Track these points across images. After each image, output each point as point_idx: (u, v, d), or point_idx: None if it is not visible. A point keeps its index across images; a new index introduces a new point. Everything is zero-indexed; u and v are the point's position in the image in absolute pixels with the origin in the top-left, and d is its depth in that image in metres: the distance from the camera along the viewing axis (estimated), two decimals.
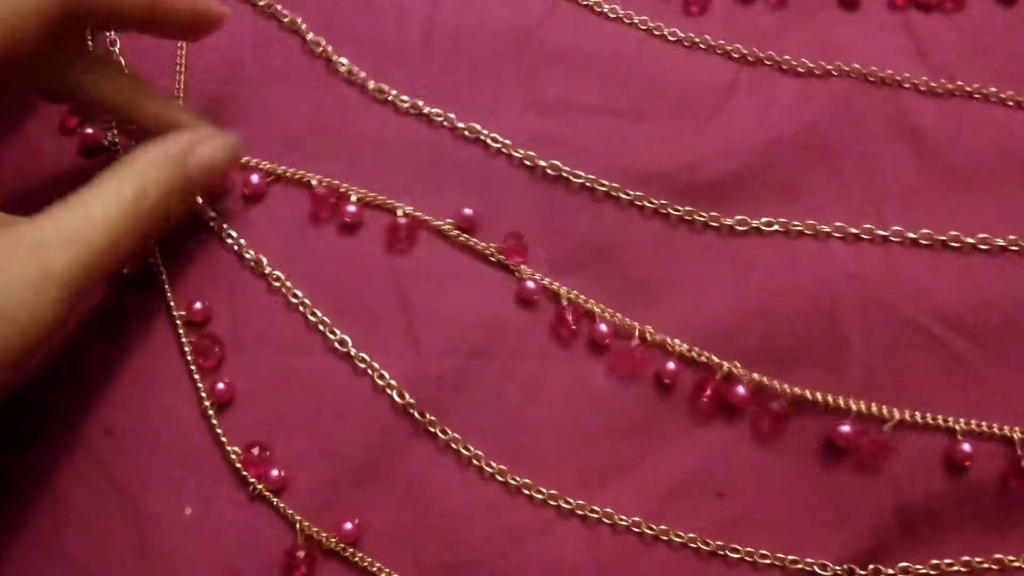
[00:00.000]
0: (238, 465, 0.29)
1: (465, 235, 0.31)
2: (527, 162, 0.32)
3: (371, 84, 0.33)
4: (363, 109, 0.33)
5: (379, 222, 0.31)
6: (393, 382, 0.29)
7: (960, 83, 0.32)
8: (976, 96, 0.32)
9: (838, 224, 0.31)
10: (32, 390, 0.29)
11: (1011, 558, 0.27)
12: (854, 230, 0.31)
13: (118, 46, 0.34)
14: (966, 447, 0.28)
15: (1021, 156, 0.31)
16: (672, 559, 0.28)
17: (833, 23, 0.34)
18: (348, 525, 0.28)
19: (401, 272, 0.31)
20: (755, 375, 0.29)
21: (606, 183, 0.31)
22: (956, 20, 0.34)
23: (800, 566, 0.28)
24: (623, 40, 0.34)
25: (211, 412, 0.29)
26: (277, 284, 0.31)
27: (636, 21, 0.34)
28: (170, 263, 0.31)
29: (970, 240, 0.30)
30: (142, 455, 0.29)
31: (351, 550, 0.28)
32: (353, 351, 0.30)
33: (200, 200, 0.31)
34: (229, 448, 0.29)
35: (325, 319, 0.30)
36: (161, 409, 0.29)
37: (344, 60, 0.33)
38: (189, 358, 0.30)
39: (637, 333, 0.29)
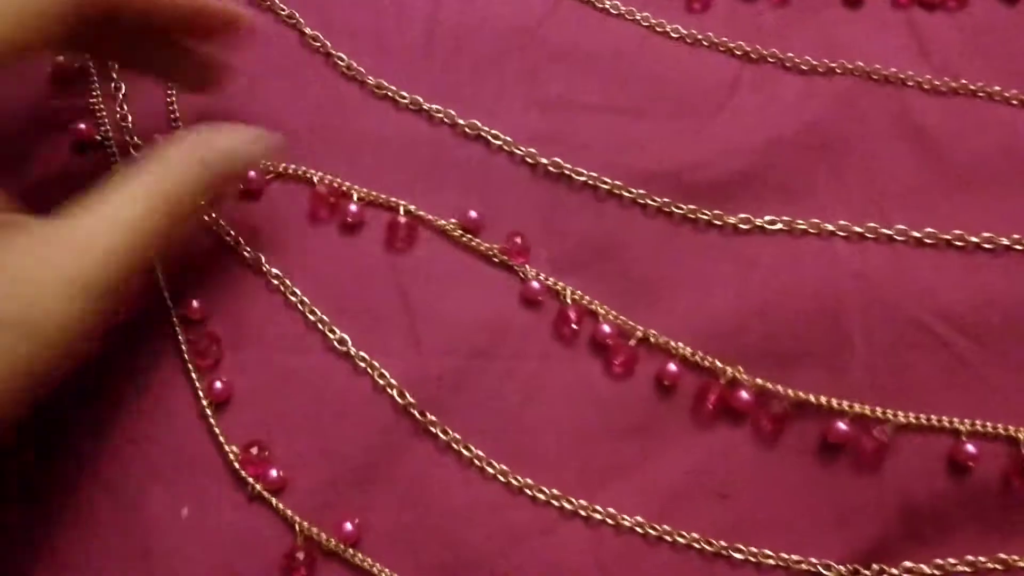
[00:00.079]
0: (236, 465, 0.28)
1: (469, 235, 0.30)
2: (528, 160, 0.31)
3: (370, 80, 0.33)
4: (363, 106, 0.33)
5: (380, 220, 0.31)
6: (394, 382, 0.29)
7: (964, 82, 0.32)
8: (980, 95, 0.32)
9: (841, 223, 0.30)
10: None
11: (1015, 558, 0.27)
12: (857, 229, 0.30)
13: None
14: (970, 447, 0.28)
15: None
16: (675, 560, 0.28)
17: (836, 21, 0.34)
18: (348, 526, 0.28)
19: (402, 271, 0.30)
20: (758, 380, 0.29)
21: (608, 181, 0.31)
22: (959, 19, 0.34)
23: (804, 566, 0.27)
24: (625, 38, 0.33)
25: (209, 412, 0.29)
26: (276, 282, 0.30)
27: (638, 18, 0.33)
28: (167, 261, 0.30)
29: (974, 239, 0.30)
30: (138, 455, 0.28)
31: (351, 551, 0.28)
32: (353, 350, 0.29)
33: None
34: (227, 448, 0.28)
35: (325, 318, 0.30)
36: (158, 408, 0.29)
37: (343, 55, 0.33)
38: (187, 357, 0.29)
39: (639, 334, 0.29)
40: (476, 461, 0.28)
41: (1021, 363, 0.29)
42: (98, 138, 0.33)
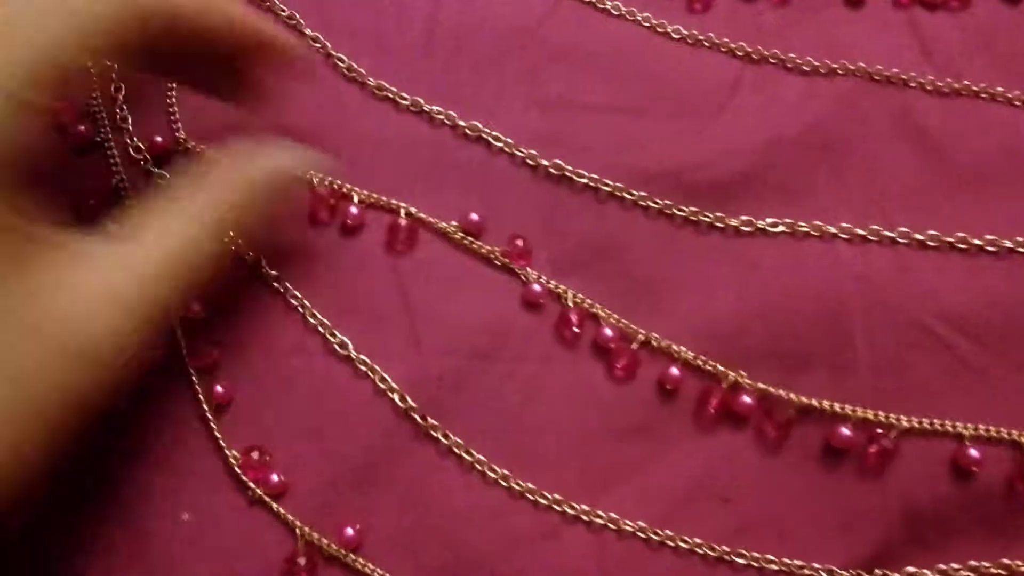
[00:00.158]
0: (237, 469, 0.28)
1: (470, 238, 0.30)
2: (529, 162, 0.31)
3: (371, 81, 0.33)
4: (363, 107, 0.32)
5: (380, 222, 0.31)
6: (395, 385, 0.29)
7: (966, 82, 0.32)
8: (982, 96, 0.32)
9: (843, 225, 0.30)
10: None
11: (1019, 563, 0.27)
12: (860, 231, 0.30)
13: None
14: (973, 452, 0.28)
15: None
16: (678, 565, 0.28)
17: (837, 21, 0.34)
18: (349, 531, 0.27)
19: (403, 273, 0.30)
20: (761, 384, 0.29)
21: (609, 183, 0.31)
22: (961, 19, 0.33)
23: (807, 571, 0.27)
24: (626, 38, 0.33)
25: (209, 415, 0.29)
26: (276, 285, 0.30)
27: (639, 18, 0.33)
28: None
29: (977, 242, 0.30)
30: (138, 459, 0.28)
31: (352, 556, 0.27)
32: (354, 354, 0.29)
33: None
34: (228, 452, 0.28)
35: (325, 321, 0.30)
36: (158, 412, 0.29)
37: (343, 56, 0.33)
38: (187, 360, 0.29)
39: (641, 337, 0.29)
40: (477, 466, 0.28)
41: None
42: (98, 139, 0.32)
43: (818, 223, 0.30)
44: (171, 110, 0.33)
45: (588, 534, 0.28)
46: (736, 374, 0.29)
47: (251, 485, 0.28)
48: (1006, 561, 0.27)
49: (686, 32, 0.33)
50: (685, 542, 0.28)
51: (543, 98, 0.32)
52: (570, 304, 0.30)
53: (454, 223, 0.31)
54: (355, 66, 0.33)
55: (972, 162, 0.31)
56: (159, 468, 0.28)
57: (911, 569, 0.27)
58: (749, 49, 0.33)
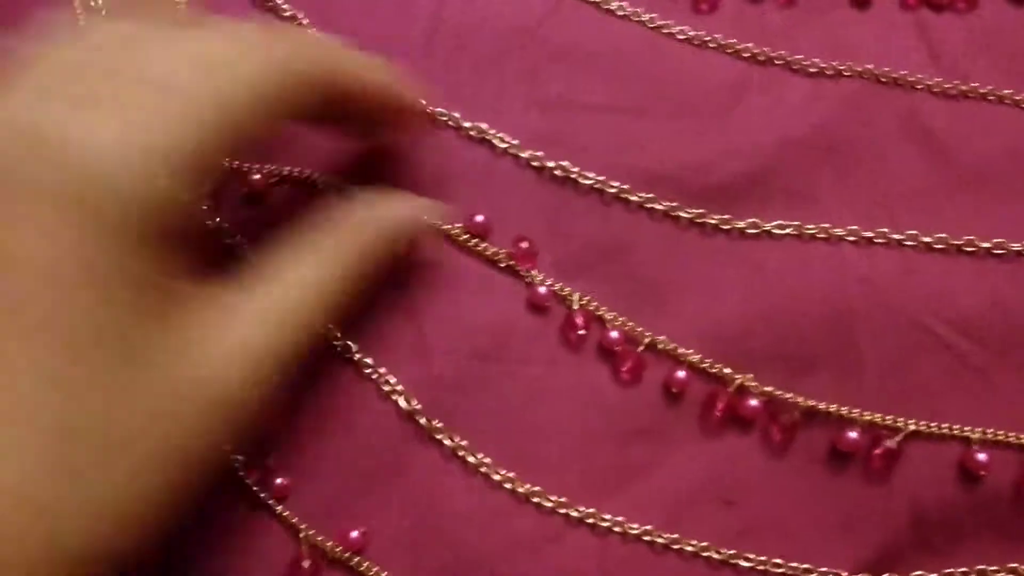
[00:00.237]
0: (240, 473, 0.28)
1: (476, 239, 0.30)
2: (534, 163, 0.31)
3: None
4: None
5: None
6: (399, 387, 0.29)
7: (973, 84, 0.32)
8: (989, 98, 0.32)
9: (850, 227, 0.30)
10: None
11: None
12: (866, 233, 0.30)
13: None
14: (981, 456, 0.28)
15: None
16: (683, 568, 0.28)
17: (843, 22, 0.33)
18: (354, 534, 0.27)
19: (407, 275, 0.30)
20: (767, 388, 0.28)
21: (614, 185, 0.31)
22: (968, 20, 0.33)
23: (813, 575, 0.27)
24: (629, 38, 0.33)
25: None
26: None
27: (644, 19, 0.33)
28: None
29: (984, 244, 0.30)
30: None
31: (357, 558, 0.27)
32: (358, 356, 0.29)
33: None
34: (231, 455, 0.28)
35: (329, 323, 0.29)
36: None
37: None
38: None
39: (646, 341, 0.29)
40: (482, 468, 0.28)
41: None
42: None
43: (824, 225, 0.30)
44: None
45: (592, 537, 0.28)
46: (743, 377, 0.28)
47: (255, 488, 0.28)
48: (1014, 565, 0.27)
49: (691, 33, 0.33)
50: (690, 545, 0.28)
51: (544, 98, 0.32)
52: (575, 306, 0.29)
53: (459, 225, 0.30)
54: None
55: (978, 164, 0.31)
56: None
57: (918, 573, 0.27)
58: (755, 50, 0.33)
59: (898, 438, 0.28)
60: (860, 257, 0.30)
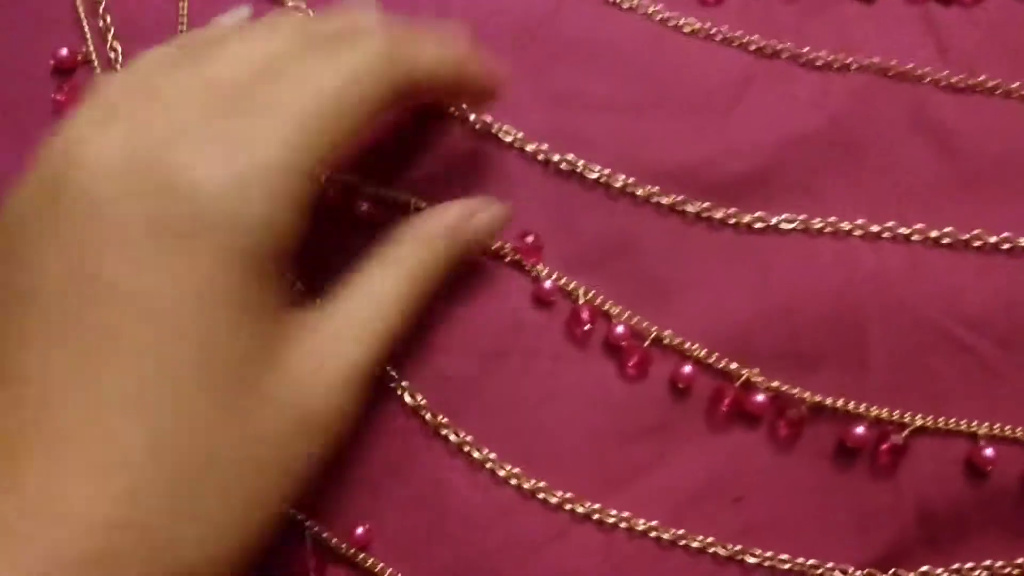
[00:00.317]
0: None
1: None
2: (540, 157, 0.31)
3: None
4: None
5: (390, 219, 0.30)
6: (404, 383, 0.29)
7: (981, 78, 0.32)
8: (997, 92, 0.32)
9: (858, 222, 0.30)
10: None
11: None
12: (874, 228, 0.30)
13: (120, 51, 0.33)
14: (988, 452, 0.27)
15: None
16: (689, 564, 0.28)
17: (850, 16, 0.33)
18: (359, 530, 0.27)
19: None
20: (774, 383, 0.28)
21: (621, 179, 0.30)
22: (975, 14, 0.33)
23: (819, 571, 0.27)
24: (636, 31, 0.33)
25: None
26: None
27: (650, 12, 0.33)
28: None
29: (992, 239, 0.30)
30: None
31: (362, 555, 0.27)
32: None
33: None
34: None
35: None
36: None
37: None
38: None
39: (652, 336, 0.29)
40: (487, 464, 0.28)
41: None
42: None
43: (832, 220, 0.30)
44: None
45: (598, 533, 0.28)
46: (749, 372, 0.28)
47: None
48: (1021, 560, 0.27)
49: (697, 25, 0.33)
50: (696, 541, 0.27)
51: (551, 93, 0.32)
52: (581, 301, 0.29)
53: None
54: None
55: (987, 158, 0.31)
56: None
57: (925, 569, 0.27)
58: (761, 43, 0.32)
59: (905, 433, 0.28)
60: (868, 252, 0.30)
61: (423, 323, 0.29)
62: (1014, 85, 0.32)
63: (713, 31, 0.33)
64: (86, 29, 0.33)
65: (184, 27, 0.33)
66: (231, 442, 0.21)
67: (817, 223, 0.30)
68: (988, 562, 0.27)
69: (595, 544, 0.28)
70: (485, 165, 0.31)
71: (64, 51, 0.33)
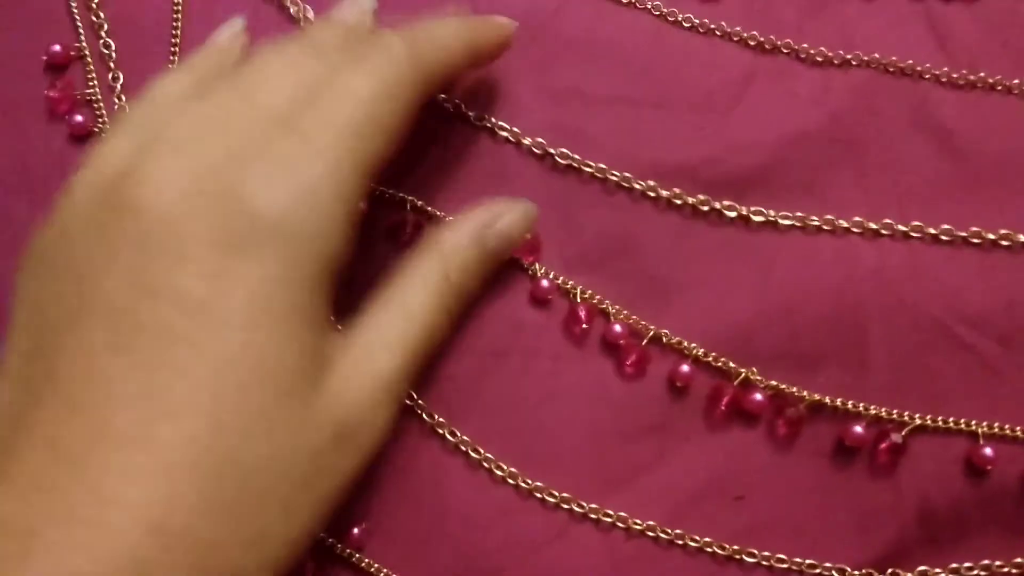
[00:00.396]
0: None
1: None
2: (540, 154, 0.31)
3: None
4: None
5: (386, 216, 0.30)
6: None
7: (982, 75, 0.31)
8: (998, 88, 0.31)
9: (859, 220, 0.30)
10: None
11: None
12: (875, 226, 0.30)
13: (113, 49, 0.33)
14: (987, 451, 0.27)
15: None
16: (688, 564, 0.27)
17: (851, 12, 0.33)
18: (355, 530, 0.27)
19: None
20: (772, 382, 0.28)
21: (618, 175, 0.30)
22: (975, 10, 0.33)
23: (818, 571, 0.27)
24: (637, 27, 0.32)
25: None
26: None
27: (649, 7, 0.33)
28: None
29: (991, 236, 0.29)
30: None
31: (358, 556, 0.27)
32: None
33: None
34: None
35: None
36: None
37: None
38: None
39: (650, 335, 0.29)
40: (484, 464, 0.28)
41: None
42: (96, 130, 0.32)
43: (832, 218, 0.30)
44: None
45: (597, 533, 0.28)
46: (747, 371, 0.28)
47: None
48: (1020, 560, 0.27)
49: (697, 21, 0.32)
50: (694, 541, 0.27)
51: (552, 91, 0.32)
52: (578, 300, 0.29)
53: None
54: None
55: (988, 155, 0.31)
56: None
57: (923, 569, 0.27)
58: (762, 39, 0.32)
59: (904, 432, 0.28)
60: (869, 250, 0.30)
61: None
62: (1015, 82, 0.31)
63: (713, 26, 0.32)
64: (79, 25, 0.33)
65: (180, 24, 0.33)
66: (270, 453, 0.21)
67: (817, 221, 0.30)
68: (986, 562, 0.27)
69: (594, 544, 0.28)
70: (484, 163, 0.31)
71: (57, 47, 0.32)
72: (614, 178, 0.30)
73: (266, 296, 0.22)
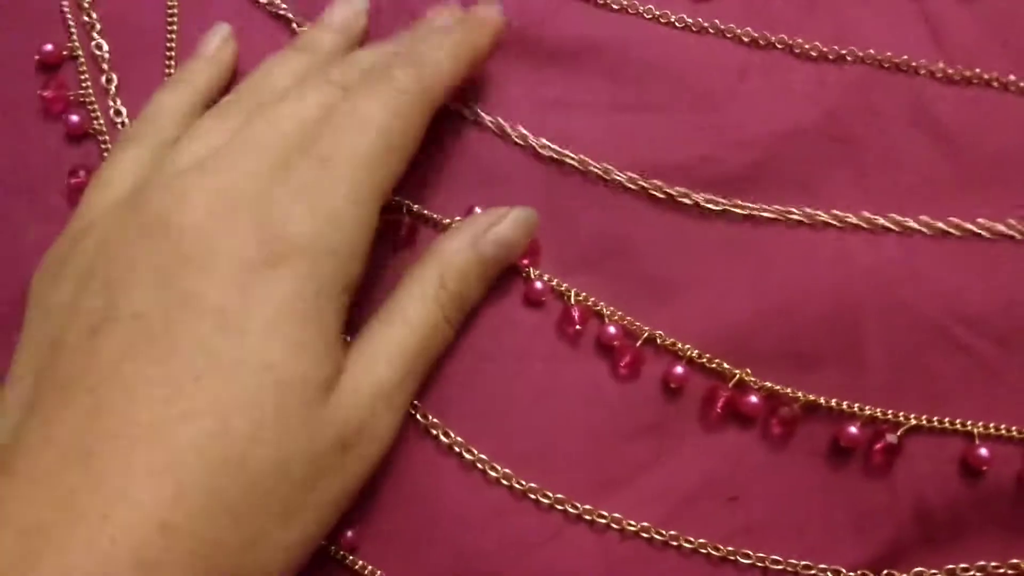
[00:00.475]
0: None
1: None
2: (535, 155, 0.31)
3: None
4: None
5: (381, 219, 0.30)
6: None
7: (978, 70, 0.31)
8: (994, 84, 0.31)
9: (854, 217, 0.30)
10: None
11: None
12: (872, 223, 0.29)
13: (105, 49, 0.33)
14: (983, 451, 0.27)
15: None
16: (682, 565, 0.27)
17: (846, 6, 0.33)
18: (349, 532, 0.27)
19: (404, 270, 0.29)
20: (767, 383, 0.28)
21: (616, 176, 0.30)
22: (972, 5, 0.32)
23: (813, 572, 0.27)
24: (628, 31, 0.32)
25: None
26: None
27: (641, 11, 0.32)
28: None
29: (990, 236, 0.29)
30: None
31: (351, 558, 0.27)
32: None
33: None
34: None
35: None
36: None
37: None
38: None
39: (645, 336, 0.29)
40: (478, 465, 0.28)
41: None
42: (91, 131, 0.32)
43: (826, 215, 0.30)
44: None
45: (591, 534, 0.28)
46: (742, 372, 0.28)
47: None
48: (1015, 561, 0.27)
49: (691, 21, 0.32)
50: (689, 542, 0.27)
51: (545, 97, 0.31)
52: (571, 302, 0.29)
53: (458, 218, 0.30)
54: None
55: (984, 151, 0.30)
56: None
57: (919, 569, 0.27)
58: (756, 35, 0.32)
59: (899, 433, 0.27)
60: (866, 248, 0.29)
61: None
62: (1011, 78, 0.31)
63: (707, 25, 0.32)
64: (71, 25, 0.33)
65: (176, 25, 0.32)
66: (277, 458, 0.22)
67: (812, 217, 0.30)
68: (982, 563, 0.27)
69: (589, 545, 0.27)
70: (478, 164, 0.31)
71: (49, 47, 0.32)
72: (609, 177, 0.30)
73: (287, 310, 0.23)
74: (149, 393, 0.22)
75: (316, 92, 0.27)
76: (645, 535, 0.27)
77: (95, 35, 0.33)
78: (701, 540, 0.27)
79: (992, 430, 0.27)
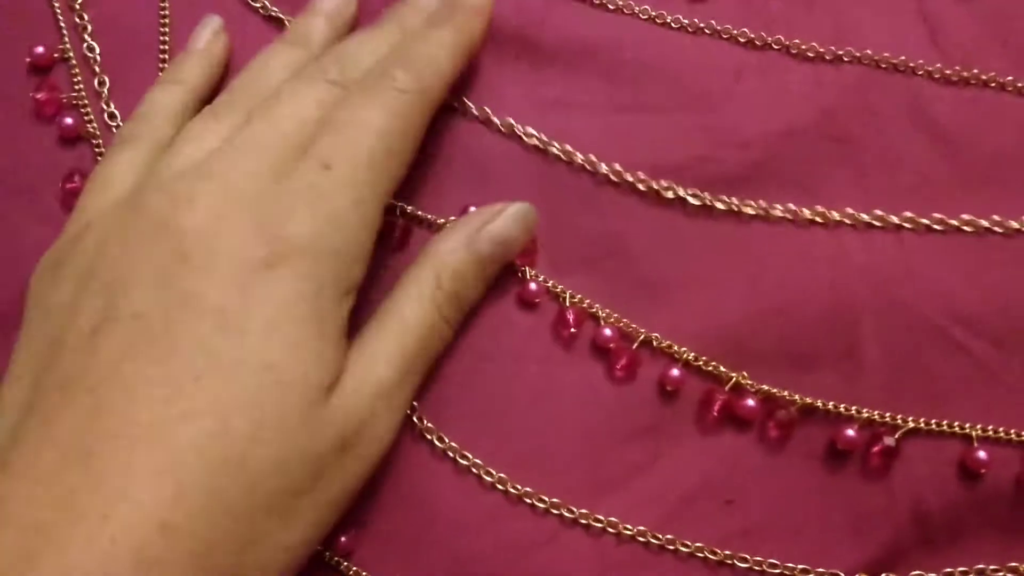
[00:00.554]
0: None
1: None
2: (531, 155, 0.30)
3: None
4: None
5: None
6: None
7: (976, 71, 0.31)
8: (992, 84, 0.31)
9: (852, 217, 0.29)
10: None
11: None
12: (868, 223, 0.29)
13: (97, 51, 0.32)
14: (981, 454, 0.27)
15: None
16: (679, 569, 0.27)
17: (843, 6, 0.32)
18: (343, 538, 0.27)
19: (397, 270, 0.29)
20: (764, 386, 0.28)
21: (612, 177, 0.30)
22: (970, 5, 0.32)
23: (811, 575, 0.27)
24: (624, 32, 0.32)
25: None
26: None
27: (637, 11, 0.32)
28: None
29: (989, 236, 0.29)
30: None
31: (346, 563, 0.27)
32: None
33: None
34: None
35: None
36: None
37: None
38: None
39: (641, 338, 0.28)
40: (473, 469, 0.28)
41: None
42: (85, 134, 0.32)
43: (823, 215, 0.29)
44: None
45: (587, 538, 0.27)
46: (738, 375, 0.28)
47: None
48: (1014, 564, 0.27)
49: (686, 21, 0.32)
50: (686, 546, 0.27)
51: (541, 98, 0.31)
52: (567, 304, 0.29)
53: (452, 218, 0.30)
54: None
55: (981, 152, 0.30)
56: None
57: (918, 572, 0.27)
58: (752, 35, 0.32)
59: (897, 435, 0.27)
60: (864, 248, 0.29)
61: None
62: (1009, 78, 0.31)
63: (703, 26, 0.32)
64: (63, 26, 0.32)
65: (168, 26, 0.32)
66: (277, 459, 0.22)
67: (809, 217, 0.29)
68: (981, 565, 0.27)
69: (585, 549, 0.27)
70: (472, 163, 0.31)
71: (40, 48, 0.32)
72: (605, 177, 0.30)
73: (287, 310, 0.23)
74: (149, 393, 0.21)
75: (315, 91, 0.27)
76: (641, 539, 0.27)
77: (87, 37, 0.32)
78: (698, 543, 0.27)
79: (991, 432, 0.27)
